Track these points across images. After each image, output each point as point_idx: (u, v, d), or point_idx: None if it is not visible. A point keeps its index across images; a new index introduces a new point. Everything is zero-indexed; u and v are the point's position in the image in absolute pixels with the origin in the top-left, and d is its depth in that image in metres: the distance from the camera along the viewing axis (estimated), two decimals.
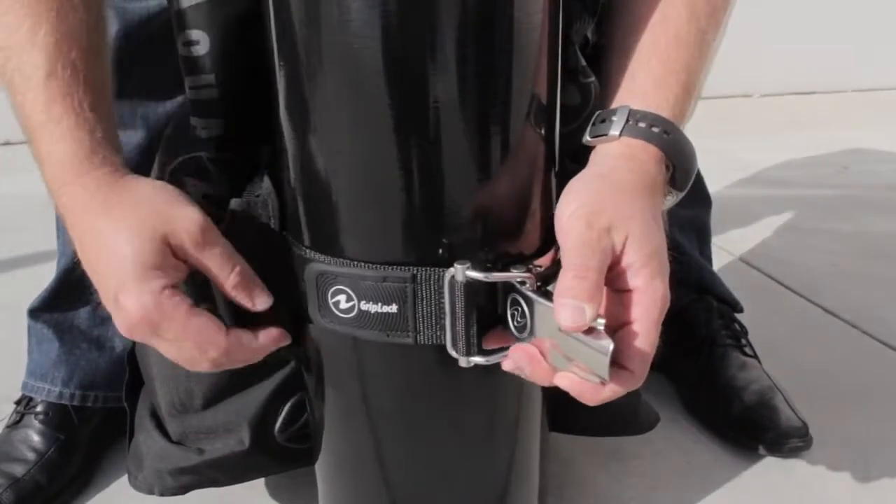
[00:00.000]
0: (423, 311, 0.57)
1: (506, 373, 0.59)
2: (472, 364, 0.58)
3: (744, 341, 1.15)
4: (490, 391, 0.66)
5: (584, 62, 0.69)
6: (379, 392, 0.65)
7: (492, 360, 0.58)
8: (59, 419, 0.97)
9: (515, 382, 0.66)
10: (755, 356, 1.14)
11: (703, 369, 1.12)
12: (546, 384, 0.57)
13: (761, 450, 1.01)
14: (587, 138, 0.62)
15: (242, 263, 0.60)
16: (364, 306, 0.58)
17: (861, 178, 2.26)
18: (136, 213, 0.57)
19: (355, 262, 0.58)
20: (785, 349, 1.26)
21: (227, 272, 0.59)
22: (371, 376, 0.64)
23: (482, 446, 0.68)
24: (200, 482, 0.79)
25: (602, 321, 0.52)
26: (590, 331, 0.52)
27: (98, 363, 0.98)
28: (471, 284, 0.56)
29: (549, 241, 0.62)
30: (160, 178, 0.69)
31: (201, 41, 0.63)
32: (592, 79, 0.69)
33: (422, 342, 0.58)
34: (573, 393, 0.55)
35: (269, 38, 0.59)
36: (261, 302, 0.61)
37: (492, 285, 0.57)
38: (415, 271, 0.57)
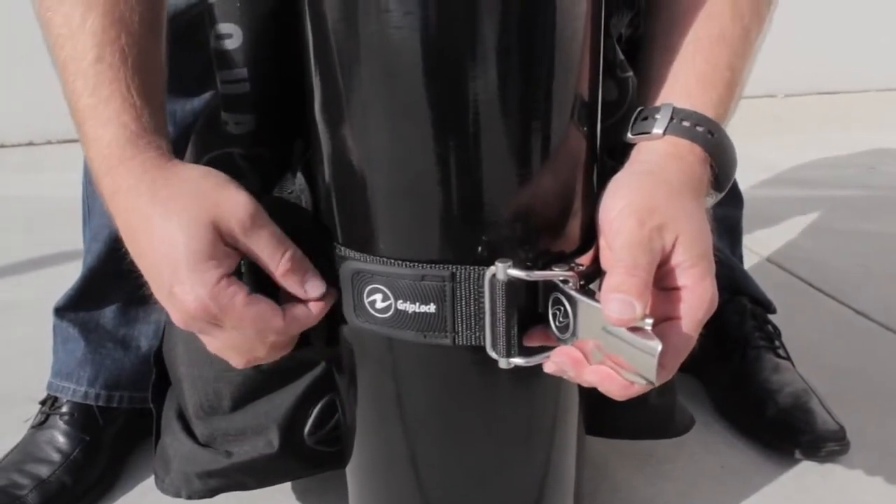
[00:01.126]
0: (461, 310, 0.56)
1: (544, 374, 0.58)
2: (513, 365, 0.57)
3: (777, 343, 1.13)
4: (528, 393, 0.64)
5: (621, 56, 0.67)
6: (414, 394, 0.64)
7: (532, 361, 0.57)
8: (85, 420, 0.96)
9: (553, 384, 0.65)
10: (788, 358, 1.12)
11: (737, 372, 1.09)
12: (586, 385, 0.56)
13: (797, 454, 0.99)
14: (629, 135, 0.61)
15: (293, 249, 0.58)
16: (401, 306, 0.56)
17: (888, 178, 2.23)
18: (184, 198, 0.55)
19: (392, 261, 0.56)
20: (817, 351, 1.24)
21: (276, 258, 0.57)
22: (406, 377, 0.63)
23: (518, 450, 0.66)
24: (228, 485, 0.78)
25: (650, 321, 0.50)
26: (636, 330, 0.50)
27: (123, 363, 0.98)
28: (512, 283, 0.54)
29: (589, 239, 0.60)
30: None
31: (234, 35, 0.62)
32: (630, 73, 0.67)
33: (460, 343, 0.57)
34: (601, 387, 0.54)
35: (303, 32, 0.57)
36: (312, 288, 0.59)
37: (532, 284, 0.56)
38: (454, 270, 0.55)
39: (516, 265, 0.54)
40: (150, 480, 0.94)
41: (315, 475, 0.82)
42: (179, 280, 0.54)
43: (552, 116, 0.56)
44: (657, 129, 0.59)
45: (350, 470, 0.72)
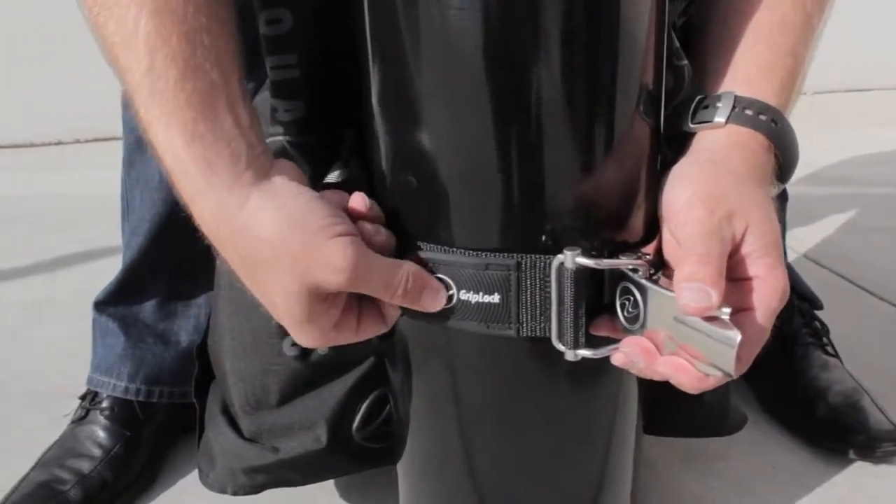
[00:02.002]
0: (526, 300, 0.54)
1: (605, 368, 0.56)
2: (580, 357, 0.55)
3: (825, 340, 1.10)
4: (589, 388, 0.62)
5: (677, 44, 0.66)
6: (471, 387, 0.62)
7: (600, 353, 0.55)
8: (125, 415, 0.95)
9: (614, 379, 0.63)
10: (836, 355, 1.09)
11: (784, 369, 1.07)
12: (656, 378, 0.54)
13: (851, 454, 0.96)
14: (689, 124, 0.59)
15: (405, 276, 0.55)
16: (464, 296, 0.55)
17: None
18: (273, 268, 0.52)
19: (455, 250, 0.55)
20: (862, 348, 1.20)
21: (388, 295, 0.55)
22: (464, 370, 0.61)
23: (577, 447, 0.65)
24: (275, 482, 0.76)
25: (727, 310, 0.49)
26: (712, 320, 0.49)
27: (164, 358, 0.97)
28: (580, 272, 0.53)
29: (651, 230, 0.59)
30: None
31: (283, 19, 0.60)
32: (685, 62, 0.66)
33: (524, 334, 0.55)
34: (675, 380, 0.53)
35: (360, 16, 0.56)
36: (430, 302, 0.56)
37: (599, 274, 0.54)
38: (519, 258, 0.54)
39: (585, 254, 0.53)
40: (191, 476, 0.94)
41: (361, 472, 0.80)
42: (293, 331, 0.55)
43: (617, 103, 0.55)
44: (719, 118, 0.57)
45: (402, 466, 0.71)
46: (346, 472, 0.82)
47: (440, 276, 0.55)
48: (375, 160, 0.59)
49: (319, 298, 0.53)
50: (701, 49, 0.63)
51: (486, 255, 0.54)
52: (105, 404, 0.96)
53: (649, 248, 0.58)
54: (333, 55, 0.61)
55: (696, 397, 0.85)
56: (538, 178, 0.53)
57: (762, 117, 0.57)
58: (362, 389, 0.73)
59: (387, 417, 0.73)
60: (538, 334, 0.55)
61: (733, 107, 0.57)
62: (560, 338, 0.55)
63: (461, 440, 0.64)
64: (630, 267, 0.53)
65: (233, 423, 0.77)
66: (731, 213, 0.52)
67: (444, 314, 0.56)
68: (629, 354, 0.54)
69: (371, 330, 0.57)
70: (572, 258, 0.53)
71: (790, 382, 1.06)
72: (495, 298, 0.54)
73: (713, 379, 0.51)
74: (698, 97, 0.60)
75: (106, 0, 0.51)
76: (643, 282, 0.52)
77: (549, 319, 0.55)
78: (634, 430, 0.68)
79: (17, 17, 2.22)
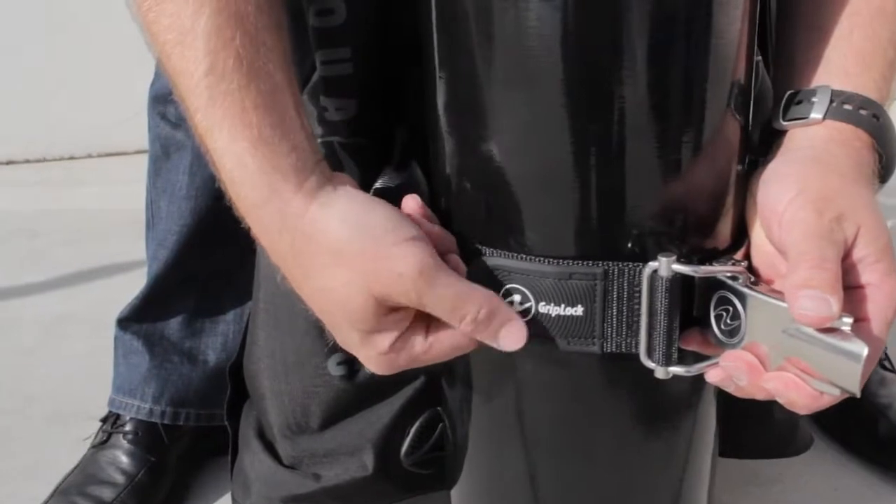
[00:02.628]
0: (612, 313, 0.49)
1: (687, 389, 0.52)
2: (670, 375, 0.50)
3: (883, 354, 1.05)
4: (670, 410, 0.57)
5: None
6: (538, 407, 0.57)
7: (694, 370, 0.50)
8: (149, 439, 0.91)
9: (694, 399, 0.58)
10: (893, 370, 1.04)
11: None
12: (760, 397, 0.49)
13: None
14: (781, 121, 0.55)
15: (477, 302, 0.48)
16: (543, 308, 0.50)
17: None
18: (337, 276, 0.48)
19: (534, 258, 0.50)
20: None
21: (455, 319, 0.48)
22: (532, 389, 0.56)
23: (652, 476, 0.60)
24: None
25: (849, 320, 0.43)
26: (829, 331, 0.44)
27: (191, 378, 0.92)
28: (675, 281, 0.48)
29: (739, 235, 0.54)
30: None
31: (336, 10, 0.57)
32: (759, 57, 0.61)
33: (608, 350, 0.50)
34: (785, 398, 0.48)
35: (423, 10, 0.51)
36: (508, 341, 0.50)
37: (690, 283, 0.49)
38: (606, 266, 0.49)
39: (679, 260, 0.48)
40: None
41: (408, 499, 0.75)
42: (355, 348, 0.50)
43: (707, 104, 0.50)
44: (816, 114, 0.53)
45: (457, 493, 0.66)
46: (393, 500, 0.77)
47: (514, 285, 0.50)
48: (440, 163, 0.54)
49: (384, 310, 0.48)
50: (788, 40, 0.59)
51: (569, 263, 0.49)
52: (128, 427, 0.91)
53: (739, 255, 0.53)
54: (388, 49, 0.58)
55: (764, 416, 0.81)
56: (625, 180, 0.49)
57: (863, 112, 0.53)
58: (412, 411, 0.69)
59: (437, 441, 0.69)
60: (624, 350, 0.50)
61: (831, 101, 0.53)
62: (650, 353, 0.50)
63: (527, 466, 0.59)
64: (728, 274, 0.48)
65: (270, 448, 0.73)
66: (842, 214, 0.47)
67: None
68: (731, 370, 0.49)
69: (445, 353, 0.51)
70: (668, 265, 0.48)
71: (848, 400, 1.00)
72: (578, 311, 0.49)
73: (828, 397, 0.46)
74: (789, 92, 0.55)
75: None
76: (744, 290, 0.47)
77: (636, 334, 0.50)
78: (711, 457, 0.62)
79: (26, 31, 2.20)
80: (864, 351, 0.42)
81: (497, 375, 0.57)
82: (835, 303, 0.43)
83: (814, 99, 0.53)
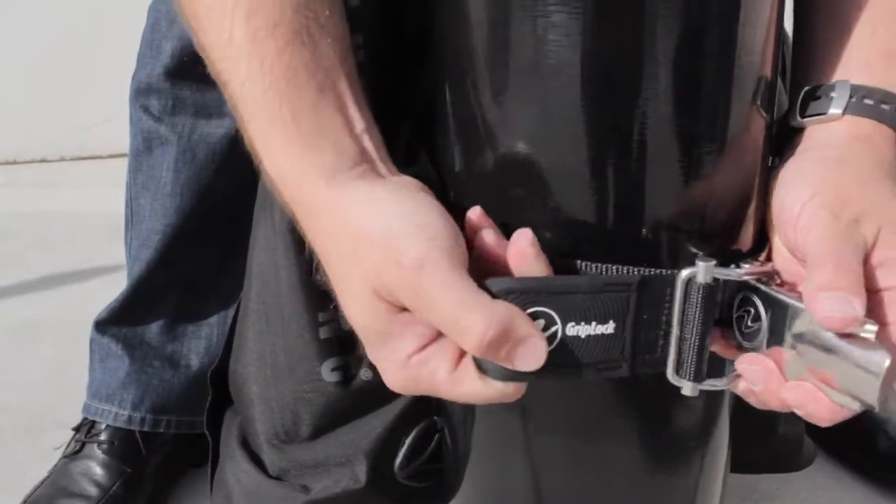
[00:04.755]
0: (642, 328, 0.45)
1: (701, 405, 0.51)
2: (697, 392, 0.46)
3: None
4: (683, 423, 0.55)
5: None
6: (545, 418, 0.54)
7: (720, 384, 0.46)
8: (125, 449, 0.87)
9: (707, 415, 0.56)
10: None
11: None
12: (776, 407, 0.46)
13: None
14: (798, 118, 0.52)
15: (486, 317, 0.41)
16: (571, 331, 0.43)
17: None
18: (350, 271, 0.45)
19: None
20: None
21: (455, 334, 0.42)
22: (537, 398, 0.53)
23: (664, 489, 0.57)
24: None
25: (873, 327, 0.40)
26: (851, 338, 0.41)
27: (172, 383, 0.89)
28: (710, 288, 0.44)
29: (761, 237, 0.51)
30: None
31: None
32: None
33: (637, 372, 0.45)
34: (804, 410, 0.44)
35: (438, 10, 0.49)
36: (522, 361, 0.42)
37: (715, 287, 0.46)
38: (645, 273, 0.44)
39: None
40: None
41: None
42: (374, 354, 0.46)
43: (732, 103, 0.47)
44: (835, 109, 0.50)
45: None
46: None
47: (542, 308, 0.43)
48: (449, 160, 0.51)
49: (388, 305, 0.44)
50: (809, 33, 0.56)
51: (602, 271, 0.45)
52: (103, 436, 0.88)
53: (762, 257, 0.51)
54: (395, 38, 0.55)
55: (770, 429, 0.79)
56: (651, 181, 0.46)
57: (885, 107, 0.50)
58: (408, 420, 0.65)
59: (434, 452, 0.65)
60: (651, 369, 0.46)
61: (850, 96, 0.50)
62: (678, 369, 0.46)
63: (532, 481, 0.56)
64: (759, 276, 0.45)
65: (255, 458, 0.69)
66: (860, 216, 0.45)
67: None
68: (747, 373, 0.46)
69: (471, 395, 0.44)
70: (707, 270, 0.44)
71: None
72: (609, 328, 0.44)
73: (847, 411, 0.43)
74: (806, 88, 0.53)
75: (203, 2, 0.46)
76: (768, 290, 0.45)
77: (665, 349, 0.46)
78: (723, 475, 0.60)
79: None
80: (886, 362, 0.39)
81: None
82: (859, 305, 0.41)
83: (832, 94, 0.51)
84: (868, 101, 0.50)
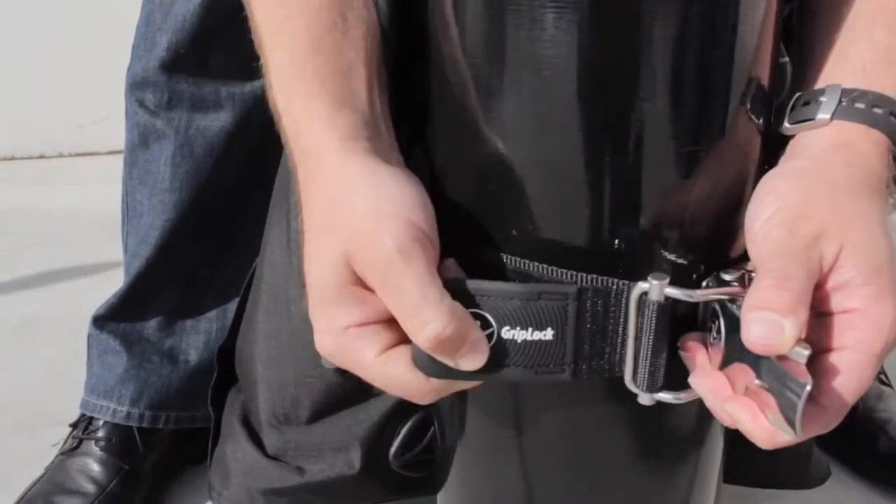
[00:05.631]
0: (586, 336, 0.46)
1: (691, 408, 0.50)
2: (654, 402, 0.47)
3: (880, 368, 1.03)
4: (674, 426, 0.54)
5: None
6: (534, 415, 0.54)
7: (681, 398, 0.47)
8: (123, 445, 0.87)
9: (697, 424, 0.55)
10: (889, 384, 1.03)
11: None
12: (725, 422, 0.45)
13: None
14: (786, 125, 0.51)
15: (446, 316, 0.43)
16: (507, 334, 0.45)
17: None
18: (328, 227, 0.46)
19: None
20: None
21: (407, 325, 0.44)
22: (526, 395, 0.54)
23: (657, 489, 0.57)
24: None
25: (805, 351, 0.39)
26: (785, 360, 0.39)
27: (171, 379, 0.89)
28: (667, 305, 0.45)
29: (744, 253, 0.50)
30: None
31: None
32: (787, 58, 0.57)
33: (582, 377, 0.47)
34: (742, 428, 0.44)
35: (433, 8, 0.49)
36: (465, 361, 0.45)
37: (665, 306, 0.46)
38: (583, 284, 0.46)
39: (674, 282, 0.45)
40: None
41: (393, 501, 0.72)
42: (313, 314, 0.46)
43: (717, 104, 0.47)
44: (822, 114, 0.49)
45: (443, 497, 0.64)
46: (377, 500, 0.74)
47: (477, 310, 0.45)
48: (437, 155, 0.52)
49: (350, 275, 0.45)
50: (809, 38, 0.55)
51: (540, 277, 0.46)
52: (101, 433, 0.87)
53: (750, 265, 0.49)
54: (403, 30, 0.55)
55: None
56: (643, 184, 0.46)
57: (877, 111, 0.48)
58: (404, 410, 0.66)
59: (428, 444, 0.66)
60: (599, 376, 0.47)
61: (840, 100, 0.49)
62: (634, 377, 0.47)
63: (520, 477, 0.56)
64: (727, 297, 0.45)
65: (254, 438, 0.71)
66: (820, 232, 0.43)
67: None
68: (697, 387, 0.46)
69: (396, 380, 0.46)
70: (659, 289, 0.44)
71: (846, 415, 0.98)
72: (548, 335, 0.45)
73: (785, 437, 0.41)
74: (797, 93, 0.52)
75: None
76: (729, 306, 0.44)
77: (613, 356, 0.47)
78: (717, 481, 0.60)
79: None
80: (808, 386, 0.37)
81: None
82: (788, 328, 0.39)
83: (822, 98, 0.49)
84: (859, 105, 0.48)
